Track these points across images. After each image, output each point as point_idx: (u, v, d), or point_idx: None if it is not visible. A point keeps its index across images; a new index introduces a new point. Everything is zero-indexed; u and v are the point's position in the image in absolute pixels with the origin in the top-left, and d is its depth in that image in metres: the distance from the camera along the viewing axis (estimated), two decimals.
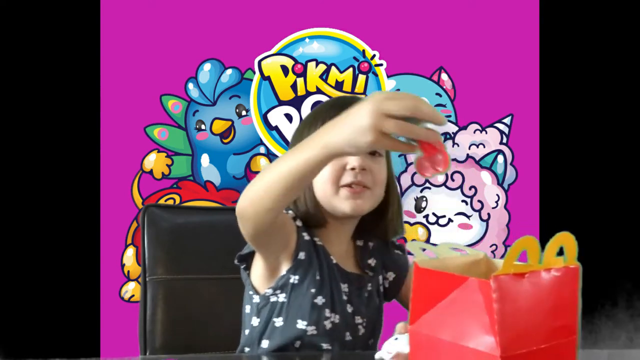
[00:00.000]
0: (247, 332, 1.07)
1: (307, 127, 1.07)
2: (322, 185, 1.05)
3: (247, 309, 1.08)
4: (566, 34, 2.18)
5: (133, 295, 2.10)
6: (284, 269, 1.03)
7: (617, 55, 2.19)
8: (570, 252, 0.60)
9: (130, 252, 2.12)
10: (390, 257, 1.15)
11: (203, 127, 2.18)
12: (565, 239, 0.60)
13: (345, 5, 2.19)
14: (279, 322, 1.03)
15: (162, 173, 2.15)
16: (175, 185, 2.16)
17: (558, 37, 2.18)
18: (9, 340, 1.92)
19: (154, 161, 2.15)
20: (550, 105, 2.19)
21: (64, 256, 2.03)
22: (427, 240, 2.21)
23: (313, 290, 1.02)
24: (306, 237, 1.06)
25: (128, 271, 2.11)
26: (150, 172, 2.15)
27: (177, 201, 2.15)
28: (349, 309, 1.06)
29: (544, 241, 0.59)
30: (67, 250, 2.03)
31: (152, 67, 2.13)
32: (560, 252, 0.60)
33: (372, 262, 1.12)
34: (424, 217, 2.21)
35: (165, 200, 2.14)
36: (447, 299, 0.60)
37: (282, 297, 1.03)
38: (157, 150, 2.16)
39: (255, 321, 1.05)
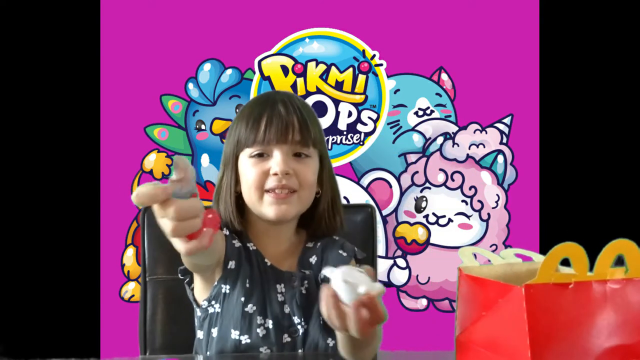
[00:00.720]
0: (195, 346, 1.07)
1: (236, 124, 1.05)
2: (247, 191, 1.02)
3: (195, 322, 1.08)
4: (566, 34, 2.18)
5: (133, 295, 2.10)
6: (216, 278, 1.02)
7: (617, 55, 2.18)
8: (635, 262, 0.52)
9: (130, 252, 2.12)
10: (331, 254, 1.08)
11: (203, 127, 2.18)
12: (626, 247, 0.52)
13: (345, 5, 2.19)
14: (215, 332, 1.02)
15: (162, 173, 2.15)
16: None
17: (558, 37, 2.18)
18: (9, 340, 1.92)
19: (154, 161, 2.15)
20: (550, 105, 2.19)
21: (64, 256, 2.03)
22: (427, 240, 2.21)
23: (243, 299, 1.00)
24: (236, 244, 1.04)
25: (128, 271, 2.11)
26: (150, 172, 2.15)
27: None
28: (286, 309, 1.03)
29: (543, 243, 0.56)
30: (67, 250, 2.03)
31: (152, 67, 2.13)
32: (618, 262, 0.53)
33: (313, 260, 1.08)
34: (424, 217, 2.21)
35: None
36: (492, 308, 0.53)
37: (217, 308, 1.02)
38: (157, 150, 2.16)
39: (200, 334, 1.05)
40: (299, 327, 1.02)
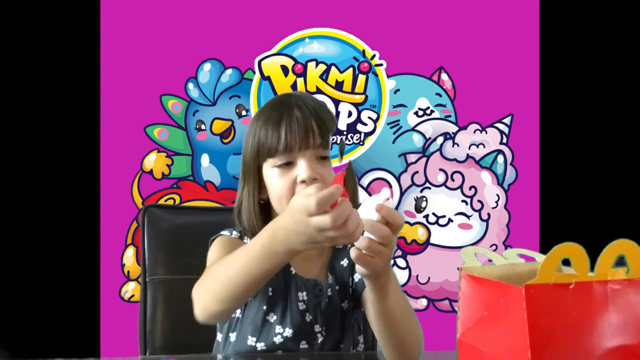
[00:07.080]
0: (214, 348, 1.09)
1: (252, 132, 1.04)
2: (278, 202, 1.01)
3: (217, 326, 1.09)
4: (566, 34, 2.18)
5: (133, 295, 2.10)
6: None
7: (617, 55, 2.18)
8: (636, 263, 0.52)
9: (130, 252, 2.12)
10: None
11: (203, 127, 2.18)
12: (627, 247, 0.51)
13: (345, 5, 2.19)
14: (233, 337, 1.03)
15: (162, 173, 2.15)
16: (175, 185, 2.16)
17: (558, 37, 2.18)
18: (9, 340, 1.92)
19: (154, 161, 2.15)
20: (550, 105, 2.19)
21: (64, 256, 2.03)
22: (427, 240, 2.21)
23: (265, 307, 1.01)
24: None
25: (128, 271, 2.11)
26: (150, 172, 2.15)
27: (177, 201, 2.15)
28: (307, 318, 1.03)
29: (543, 243, 0.55)
30: (67, 250, 2.03)
31: (152, 67, 2.13)
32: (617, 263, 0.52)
33: (344, 262, 1.07)
34: (424, 217, 2.21)
35: (165, 200, 2.14)
36: (493, 308, 0.53)
37: (237, 313, 1.04)
38: (157, 150, 2.16)
39: (219, 337, 1.07)
40: (318, 335, 1.03)
